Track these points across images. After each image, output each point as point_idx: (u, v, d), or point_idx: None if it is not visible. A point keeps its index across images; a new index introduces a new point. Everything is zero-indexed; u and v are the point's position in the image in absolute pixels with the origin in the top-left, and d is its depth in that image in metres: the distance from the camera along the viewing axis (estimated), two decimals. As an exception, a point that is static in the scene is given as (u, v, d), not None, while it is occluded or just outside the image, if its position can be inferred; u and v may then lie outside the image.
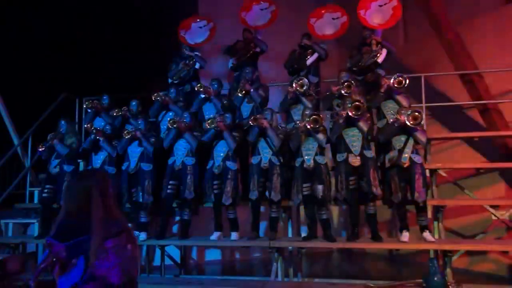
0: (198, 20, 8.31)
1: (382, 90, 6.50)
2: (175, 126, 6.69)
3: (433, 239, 6.09)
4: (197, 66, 7.98)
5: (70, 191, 2.70)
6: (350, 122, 6.15)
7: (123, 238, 2.63)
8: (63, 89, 8.96)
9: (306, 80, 6.80)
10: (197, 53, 8.05)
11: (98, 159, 7.16)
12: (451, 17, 7.70)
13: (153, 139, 6.96)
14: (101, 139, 7.08)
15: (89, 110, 7.84)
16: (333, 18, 7.77)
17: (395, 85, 6.36)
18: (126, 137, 6.89)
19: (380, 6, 7.48)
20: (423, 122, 6.00)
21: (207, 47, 8.54)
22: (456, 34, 7.65)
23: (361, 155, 6.11)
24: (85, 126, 7.48)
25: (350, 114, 6.00)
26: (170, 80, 8.05)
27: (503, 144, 7.77)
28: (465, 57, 7.70)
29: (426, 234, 6.07)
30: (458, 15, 8.07)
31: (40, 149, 7.34)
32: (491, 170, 7.92)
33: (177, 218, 7.70)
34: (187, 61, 7.95)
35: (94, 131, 7.08)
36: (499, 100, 7.85)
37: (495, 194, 7.91)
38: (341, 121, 6.15)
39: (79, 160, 7.64)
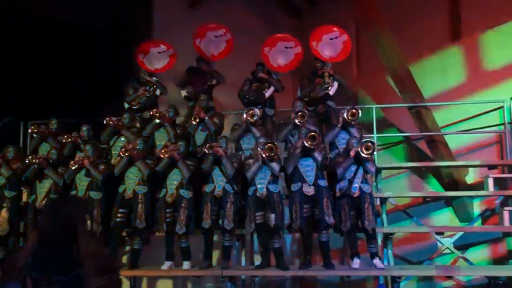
0: (156, 45, 8.05)
1: (339, 124, 6.69)
2: (127, 154, 6.56)
3: (382, 266, 6.25)
4: (157, 92, 7.81)
5: (54, 216, 2.43)
6: (305, 152, 6.22)
7: (114, 276, 2.46)
8: (6, 113, 8.59)
9: (257, 110, 6.82)
10: (155, 78, 7.83)
11: (43, 187, 6.90)
12: (401, 52, 7.97)
13: (102, 167, 6.75)
14: (46, 168, 6.83)
15: (34, 135, 7.56)
16: (286, 47, 7.74)
17: (349, 117, 6.57)
18: (73, 167, 6.65)
19: (331, 39, 7.56)
20: (375, 152, 6.17)
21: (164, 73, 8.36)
22: (406, 69, 7.93)
23: (315, 184, 6.19)
24: (29, 156, 7.07)
25: (306, 144, 6.08)
26: (127, 105, 7.78)
27: (448, 174, 8.05)
28: (414, 91, 7.98)
29: (376, 261, 6.23)
30: (407, 51, 8.37)
31: None
32: (436, 199, 8.23)
33: (128, 247, 7.48)
34: (148, 88, 7.74)
35: (37, 161, 6.80)
36: (445, 132, 8.19)
37: (440, 222, 8.23)
38: (298, 151, 6.22)
39: (22, 188, 7.33)
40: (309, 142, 6.08)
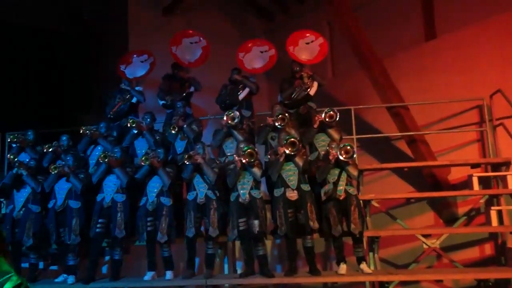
0: (137, 55, 8.09)
1: (315, 126, 6.65)
2: (106, 160, 6.41)
3: (370, 271, 6.17)
4: (133, 100, 7.74)
5: None
6: (286, 157, 6.17)
7: None
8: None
9: (237, 113, 6.78)
10: (138, 88, 7.81)
11: (21, 197, 6.72)
12: (377, 53, 7.96)
13: (82, 175, 6.62)
14: (24, 173, 6.64)
15: (13, 145, 7.43)
16: (261, 52, 7.83)
17: (327, 120, 6.56)
18: (53, 172, 6.50)
19: (307, 43, 7.65)
20: (355, 155, 6.11)
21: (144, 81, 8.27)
22: (383, 69, 7.92)
23: (298, 189, 6.12)
24: (8, 157, 6.96)
25: (286, 151, 6.04)
26: (108, 116, 7.73)
27: (430, 174, 8.03)
28: (391, 91, 7.96)
29: (364, 266, 6.15)
30: (383, 51, 8.37)
31: None
32: (420, 200, 8.19)
33: (107, 258, 7.32)
34: (124, 96, 7.70)
35: (16, 164, 6.65)
36: (425, 132, 8.17)
37: (424, 223, 8.16)
38: (281, 159, 6.15)
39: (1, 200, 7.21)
40: (289, 149, 6.05)
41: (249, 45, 7.90)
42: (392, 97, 7.97)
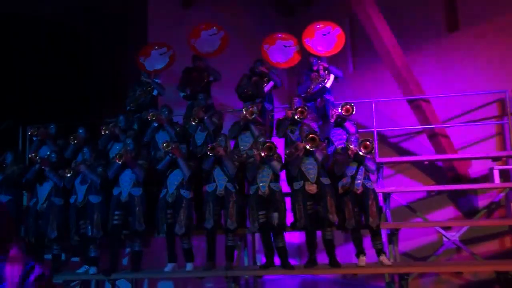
0: (157, 47, 8.11)
1: (332, 120, 6.65)
2: (121, 161, 6.46)
3: (389, 263, 6.17)
4: (154, 93, 7.79)
5: None
6: (306, 151, 6.18)
7: None
8: (4, 116, 8.51)
9: (255, 108, 6.78)
10: (156, 80, 7.86)
11: (44, 190, 6.85)
12: (398, 45, 7.89)
13: (100, 169, 6.67)
14: (47, 169, 6.75)
15: (34, 138, 7.52)
16: (284, 46, 7.82)
17: (343, 113, 6.54)
18: (68, 174, 6.60)
19: (324, 35, 7.62)
20: (373, 150, 6.10)
21: (163, 74, 8.32)
22: (404, 62, 7.84)
23: (318, 182, 6.14)
24: (30, 155, 7.06)
25: (307, 147, 6.06)
26: (128, 107, 7.78)
27: (450, 167, 7.98)
28: (413, 84, 7.89)
29: (383, 258, 6.15)
30: (404, 43, 8.28)
31: None
32: (440, 193, 8.15)
33: (128, 250, 7.41)
34: (145, 88, 7.75)
35: (39, 160, 6.76)
36: (446, 125, 8.10)
37: (444, 216, 8.13)
38: (301, 154, 6.16)
39: (23, 192, 7.34)
40: (310, 144, 6.07)
41: (274, 37, 7.92)
42: (413, 90, 7.90)
